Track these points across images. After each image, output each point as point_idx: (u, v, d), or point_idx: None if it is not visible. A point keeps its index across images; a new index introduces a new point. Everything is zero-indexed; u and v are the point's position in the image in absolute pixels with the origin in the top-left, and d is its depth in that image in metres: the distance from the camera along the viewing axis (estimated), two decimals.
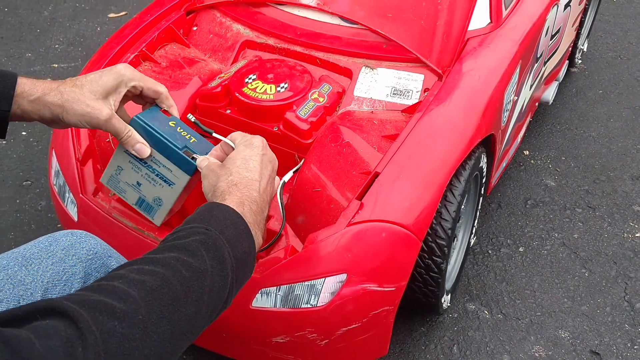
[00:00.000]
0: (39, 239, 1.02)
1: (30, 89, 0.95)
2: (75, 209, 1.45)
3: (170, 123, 1.07)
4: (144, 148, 1.03)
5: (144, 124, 1.03)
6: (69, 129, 1.51)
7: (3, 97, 0.94)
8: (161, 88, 1.08)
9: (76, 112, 0.97)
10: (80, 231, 1.06)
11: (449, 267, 1.66)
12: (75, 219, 1.45)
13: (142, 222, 1.37)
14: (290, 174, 1.43)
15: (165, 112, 1.09)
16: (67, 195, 1.48)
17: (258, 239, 0.91)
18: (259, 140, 1.01)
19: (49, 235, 1.03)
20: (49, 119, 0.98)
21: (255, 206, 0.92)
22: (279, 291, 1.23)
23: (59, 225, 1.87)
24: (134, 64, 1.67)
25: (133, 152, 1.04)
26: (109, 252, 1.06)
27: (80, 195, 1.42)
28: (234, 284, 0.82)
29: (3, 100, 0.94)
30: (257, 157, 0.98)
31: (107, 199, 1.42)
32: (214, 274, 0.78)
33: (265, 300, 1.25)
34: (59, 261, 0.98)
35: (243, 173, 0.94)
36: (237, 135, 1.03)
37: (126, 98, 1.05)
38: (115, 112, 1.01)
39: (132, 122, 1.04)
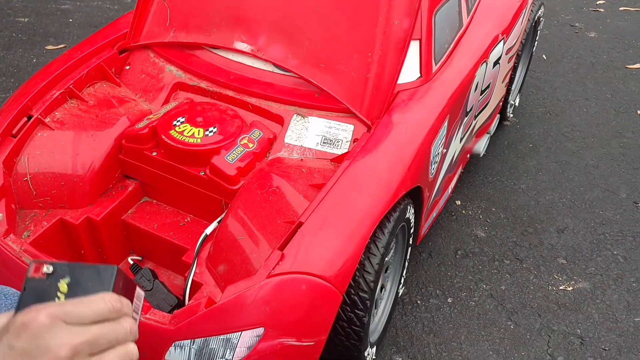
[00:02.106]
0: None
1: None
2: None
3: None
4: None
5: None
6: None
7: None
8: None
9: None
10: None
11: (376, 318, 1.64)
12: None
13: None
14: (213, 225, 1.40)
15: None
16: None
17: None
18: (21, 320, 0.56)
19: None
20: None
21: None
22: (193, 344, 1.18)
23: None
24: (60, 101, 1.62)
25: None
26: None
27: None
28: None
29: None
30: (2, 356, 0.55)
31: (19, 242, 1.34)
32: None
33: (179, 354, 1.19)
34: None
35: None
36: (4, 316, 0.61)
37: None
38: None
39: None
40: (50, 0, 3.42)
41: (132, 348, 0.60)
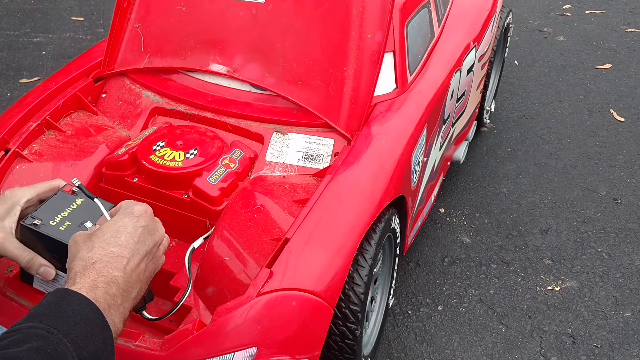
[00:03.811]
0: None
1: None
2: None
3: (66, 211, 1.01)
4: (48, 271, 0.98)
5: (34, 229, 0.98)
6: None
7: None
8: (56, 182, 1.07)
9: None
10: None
11: (368, 331, 1.64)
12: None
13: (39, 299, 1.28)
14: (200, 240, 1.39)
15: (70, 190, 1.06)
16: None
17: (116, 326, 0.81)
18: (140, 209, 0.92)
19: None
20: None
21: (114, 288, 0.82)
22: None
23: None
24: (37, 132, 1.61)
25: (38, 277, 0.98)
26: None
27: None
28: None
29: None
30: (134, 229, 0.88)
31: (2, 277, 1.32)
32: None
33: None
34: None
35: (109, 248, 0.85)
36: (124, 203, 0.95)
37: (29, 210, 1.04)
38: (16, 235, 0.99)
39: (21, 229, 1.00)
40: (22, 34, 3.41)
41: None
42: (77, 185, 1.05)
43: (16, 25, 3.48)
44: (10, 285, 1.31)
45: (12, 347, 0.70)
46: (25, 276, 1.04)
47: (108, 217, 0.95)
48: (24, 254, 0.99)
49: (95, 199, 1.02)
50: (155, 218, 0.95)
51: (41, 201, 1.05)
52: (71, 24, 3.55)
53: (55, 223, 0.99)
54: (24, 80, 2.99)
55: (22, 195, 1.03)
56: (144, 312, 1.14)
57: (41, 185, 1.07)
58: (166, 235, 0.97)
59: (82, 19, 3.61)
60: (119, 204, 0.97)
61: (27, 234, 1.00)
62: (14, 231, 1.01)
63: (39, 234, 0.97)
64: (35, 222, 0.99)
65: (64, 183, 1.10)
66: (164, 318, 1.22)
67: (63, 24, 3.53)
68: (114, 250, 0.85)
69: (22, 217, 1.04)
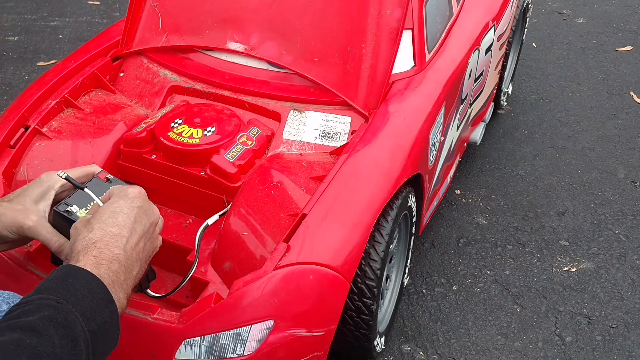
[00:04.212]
0: None
1: None
2: None
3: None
4: None
5: (66, 216, 1.01)
6: None
7: None
8: (91, 168, 1.10)
9: (3, 223, 1.00)
10: (8, 292, 1.02)
11: (383, 309, 1.65)
12: None
13: None
14: (215, 217, 1.40)
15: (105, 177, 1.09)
16: None
17: (121, 301, 0.84)
18: (135, 191, 0.96)
19: None
20: None
21: (116, 265, 0.85)
22: (203, 341, 1.18)
23: None
24: (56, 110, 1.62)
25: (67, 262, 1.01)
26: None
27: None
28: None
29: None
30: (130, 210, 0.92)
31: (22, 251, 1.34)
32: (64, 355, 0.71)
33: (190, 351, 1.19)
34: None
35: (108, 228, 0.88)
36: (115, 189, 0.98)
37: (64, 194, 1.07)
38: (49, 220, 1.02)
39: (54, 215, 1.03)
40: (39, 18, 3.42)
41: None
42: (64, 177, 1.07)
43: (33, 9, 3.50)
44: (30, 259, 1.33)
45: (23, 317, 0.73)
46: (55, 260, 1.07)
47: (100, 203, 0.99)
48: (55, 239, 1.01)
49: (86, 189, 1.05)
50: (149, 200, 0.98)
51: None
52: (87, 7, 3.56)
53: (87, 211, 1.01)
54: (41, 63, 3.01)
55: (57, 179, 1.06)
56: (149, 291, 1.16)
57: (77, 170, 1.09)
58: (161, 217, 1.00)
59: (98, 3, 3.61)
60: (111, 188, 1.00)
61: (59, 220, 1.02)
62: (47, 215, 1.04)
63: (71, 220, 0.99)
64: (67, 209, 1.02)
65: (100, 169, 1.11)
66: (170, 294, 1.24)
67: (79, 7, 3.54)
68: (113, 230, 0.88)
69: (56, 201, 1.07)
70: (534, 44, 3.27)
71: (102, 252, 0.85)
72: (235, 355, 1.18)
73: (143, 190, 0.97)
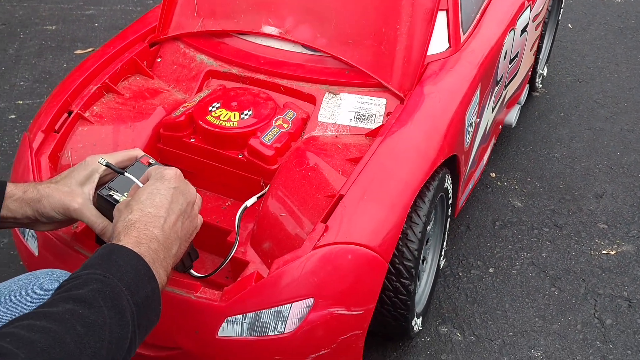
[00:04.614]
0: (20, 277, 1.02)
1: (12, 190, 1.05)
2: (36, 243, 1.41)
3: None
4: None
5: (109, 199, 1.05)
6: (29, 162, 1.48)
7: None
8: (134, 152, 1.15)
9: (51, 204, 1.06)
10: (60, 270, 1.07)
11: (420, 290, 1.65)
12: (36, 253, 1.41)
13: None
14: (253, 199, 1.42)
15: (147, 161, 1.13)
16: (27, 229, 1.45)
17: (161, 278, 0.88)
18: (171, 172, 0.99)
19: (29, 273, 1.04)
20: (32, 217, 1.07)
21: (155, 244, 0.88)
22: (245, 319, 1.21)
23: (20, 263, 1.82)
24: (97, 95, 1.66)
25: None
26: None
27: None
28: (136, 332, 0.80)
29: None
30: (166, 191, 0.95)
31: (69, 231, 1.39)
32: (113, 325, 0.75)
33: (232, 329, 1.22)
34: (38, 299, 0.98)
35: (146, 209, 0.92)
36: (152, 170, 1.01)
37: (108, 177, 1.13)
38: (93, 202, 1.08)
39: (97, 198, 1.08)
40: (75, 7, 3.48)
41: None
42: (104, 164, 1.10)
43: None
44: (77, 239, 1.38)
45: (74, 290, 0.76)
46: (100, 241, 1.11)
47: (140, 185, 1.01)
48: (98, 221, 1.06)
49: (126, 173, 1.08)
50: (185, 180, 1.01)
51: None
52: None
53: (128, 194, 1.05)
54: (78, 52, 3.07)
55: (101, 164, 1.10)
56: (192, 271, 1.19)
57: (120, 153, 1.14)
58: (198, 195, 1.03)
59: None
60: (148, 170, 1.03)
61: (103, 203, 1.06)
62: (91, 197, 1.09)
63: (113, 204, 1.02)
64: (110, 192, 1.05)
65: (142, 154, 1.15)
66: (213, 274, 1.27)
67: None
68: (151, 210, 0.92)
69: (101, 183, 1.11)
70: (569, 25, 3.20)
71: (142, 231, 0.88)
72: (276, 332, 1.20)
73: (179, 171, 1.00)
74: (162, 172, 0.99)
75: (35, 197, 1.06)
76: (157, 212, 0.92)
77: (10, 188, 1.06)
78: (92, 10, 3.46)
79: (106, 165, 1.10)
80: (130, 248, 0.85)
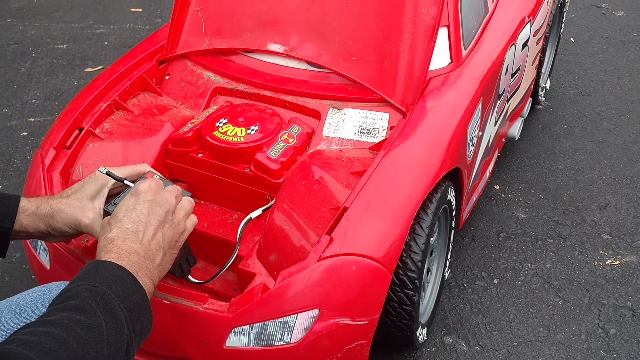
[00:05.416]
0: (33, 289, 1.06)
1: (25, 205, 1.09)
2: (48, 257, 1.45)
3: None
4: None
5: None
6: (42, 178, 1.52)
7: (7, 216, 1.06)
8: (142, 167, 1.20)
9: (63, 219, 1.10)
10: (64, 282, 1.09)
11: (424, 301, 1.67)
12: (48, 266, 1.45)
13: None
14: (258, 211, 1.45)
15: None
16: (39, 243, 1.49)
17: (148, 286, 0.91)
18: (144, 186, 1.02)
19: (43, 285, 1.07)
20: (44, 231, 1.11)
21: (135, 257, 0.92)
22: (252, 330, 1.24)
23: (32, 277, 1.85)
24: (107, 112, 1.71)
25: None
26: None
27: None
28: (132, 336, 0.83)
29: (7, 219, 1.06)
30: (142, 205, 0.98)
31: (80, 245, 1.42)
32: (109, 328, 0.79)
33: (239, 339, 1.25)
34: None
35: (124, 226, 0.95)
36: (134, 187, 1.05)
37: (116, 190, 1.17)
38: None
39: (104, 214, 1.12)
40: (85, 27, 3.56)
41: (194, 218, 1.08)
42: (104, 172, 1.15)
43: (80, 17, 3.64)
44: (87, 253, 1.41)
45: (67, 301, 0.80)
46: None
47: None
48: None
49: (125, 181, 1.14)
50: (164, 189, 1.05)
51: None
52: (130, 15, 3.68)
53: None
54: (89, 70, 3.13)
55: (111, 178, 1.15)
56: (190, 277, 1.23)
57: (128, 168, 1.19)
58: (190, 199, 1.07)
59: (140, 10, 3.73)
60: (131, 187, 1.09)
61: None
62: (101, 212, 1.13)
63: None
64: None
65: (149, 169, 1.20)
66: (210, 281, 1.31)
67: (123, 15, 3.67)
68: (129, 227, 0.95)
69: (110, 197, 1.15)
70: (572, 39, 3.24)
71: (121, 247, 0.92)
72: (282, 343, 1.23)
73: (153, 183, 1.03)
74: (137, 187, 1.03)
75: (48, 213, 1.10)
76: (135, 227, 0.95)
77: (24, 203, 1.10)
78: (102, 29, 3.53)
79: (107, 174, 1.15)
80: (113, 261, 0.89)
